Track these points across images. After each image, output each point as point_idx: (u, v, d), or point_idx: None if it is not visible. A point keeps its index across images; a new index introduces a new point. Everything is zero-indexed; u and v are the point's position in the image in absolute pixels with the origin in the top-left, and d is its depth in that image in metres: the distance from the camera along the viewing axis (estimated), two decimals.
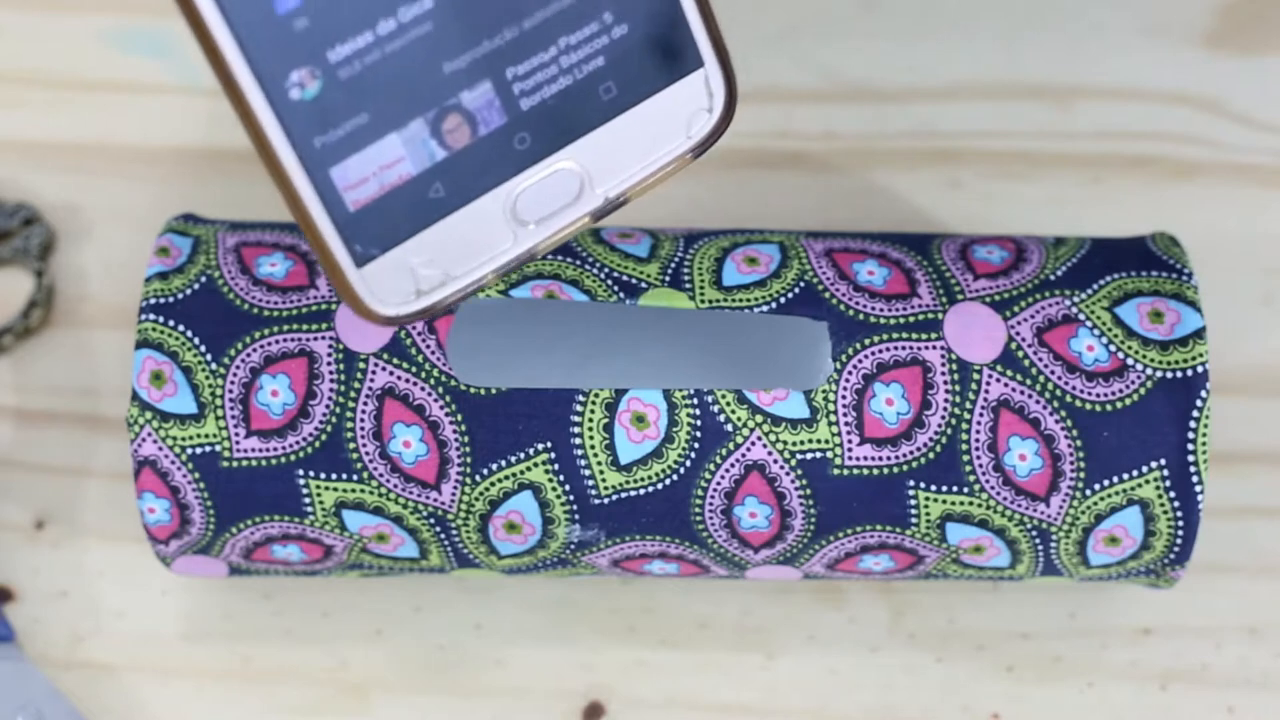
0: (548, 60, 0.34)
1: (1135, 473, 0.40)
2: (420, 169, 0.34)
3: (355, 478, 0.40)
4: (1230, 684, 0.45)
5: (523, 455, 0.40)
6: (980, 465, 0.40)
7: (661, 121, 0.35)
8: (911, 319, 0.40)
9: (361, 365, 0.40)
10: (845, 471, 0.40)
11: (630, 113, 0.35)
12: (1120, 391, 0.40)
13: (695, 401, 0.40)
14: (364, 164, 0.33)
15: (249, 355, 0.40)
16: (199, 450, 0.40)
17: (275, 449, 0.40)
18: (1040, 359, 0.40)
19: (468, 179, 0.34)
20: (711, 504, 0.40)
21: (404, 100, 0.33)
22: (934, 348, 0.40)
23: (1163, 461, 0.40)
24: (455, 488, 0.40)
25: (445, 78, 0.33)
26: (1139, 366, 0.40)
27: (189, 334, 0.40)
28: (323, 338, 0.40)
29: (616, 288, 0.41)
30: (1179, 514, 0.40)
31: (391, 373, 0.40)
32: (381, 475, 0.40)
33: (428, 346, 0.40)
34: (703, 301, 0.41)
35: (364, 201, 0.33)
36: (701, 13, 0.35)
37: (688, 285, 0.41)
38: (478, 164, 0.34)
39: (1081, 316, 0.41)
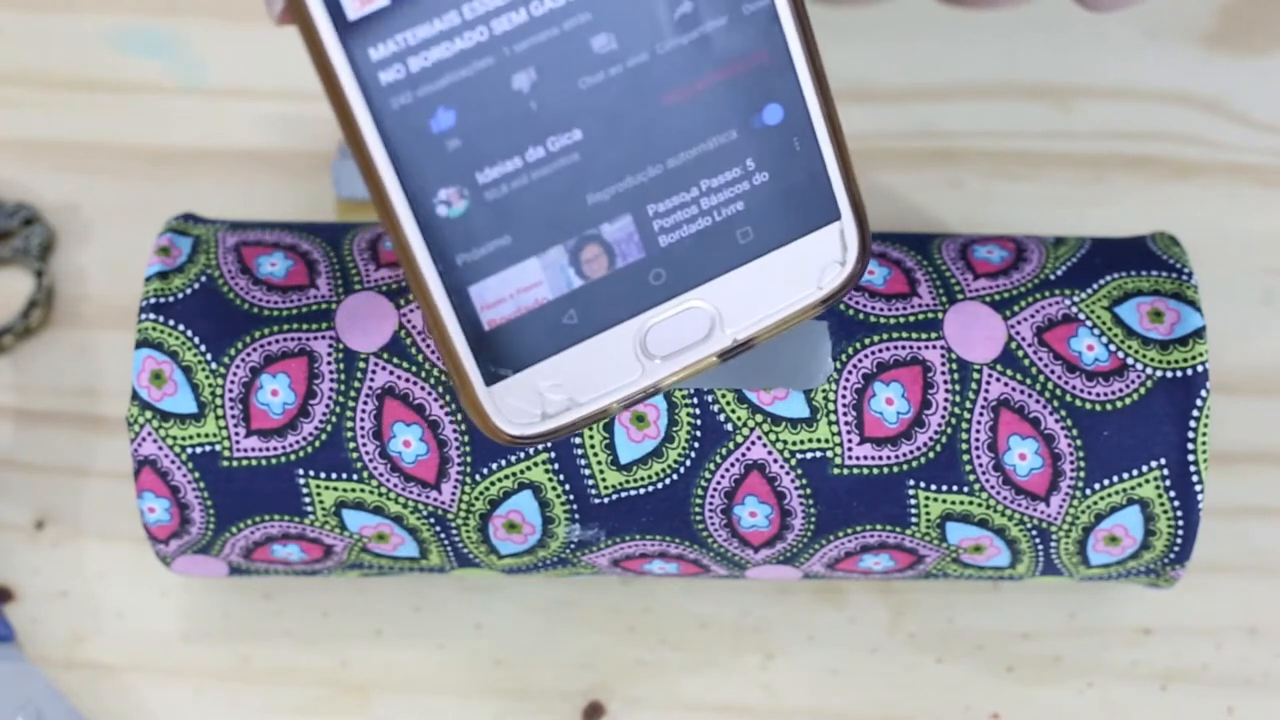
0: (688, 200, 0.35)
1: (1135, 472, 0.40)
2: (557, 295, 0.34)
3: (355, 477, 0.40)
4: (1230, 684, 0.45)
5: (523, 454, 0.40)
6: (980, 465, 0.40)
7: (794, 270, 0.36)
8: (911, 318, 0.40)
9: (361, 365, 0.40)
10: (845, 471, 0.40)
11: (765, 258, 0.35)
12: (1120, 391, 0.40)
13: (695, 401, 0.40)
14: (502, 285, 0.34)
15: (249, 355, 0.40)
16: (199, 450, 0.40)
17: (275, 448, 0.40)
18: (1040, 358, 0.40)
19: (602, 309, 0.35)
20: (711, 503, 0.40)
21: (546, 226, 0.34)
22: (934, 347, 0.40)
23: (1162, 461, 0.40)
24: (455, 487, 0.40)
25: (588, 208, 0.34)
26: (1139, 366, 0.40)
27: (189, 333, 0.40)
28: (323, 337, 0.40)
29: None
30: (1179, 513, 0.40)
31: (391, 372, 0.40)
32: (381, 475, 0.40)
33: (428, 346, 0.40)
34: None
35: (499, 321, 0.34)
36: (842, 168, 0.35)
37: None
38: (612, 295, 0.35)
39: (1081, 316, 0.41)
